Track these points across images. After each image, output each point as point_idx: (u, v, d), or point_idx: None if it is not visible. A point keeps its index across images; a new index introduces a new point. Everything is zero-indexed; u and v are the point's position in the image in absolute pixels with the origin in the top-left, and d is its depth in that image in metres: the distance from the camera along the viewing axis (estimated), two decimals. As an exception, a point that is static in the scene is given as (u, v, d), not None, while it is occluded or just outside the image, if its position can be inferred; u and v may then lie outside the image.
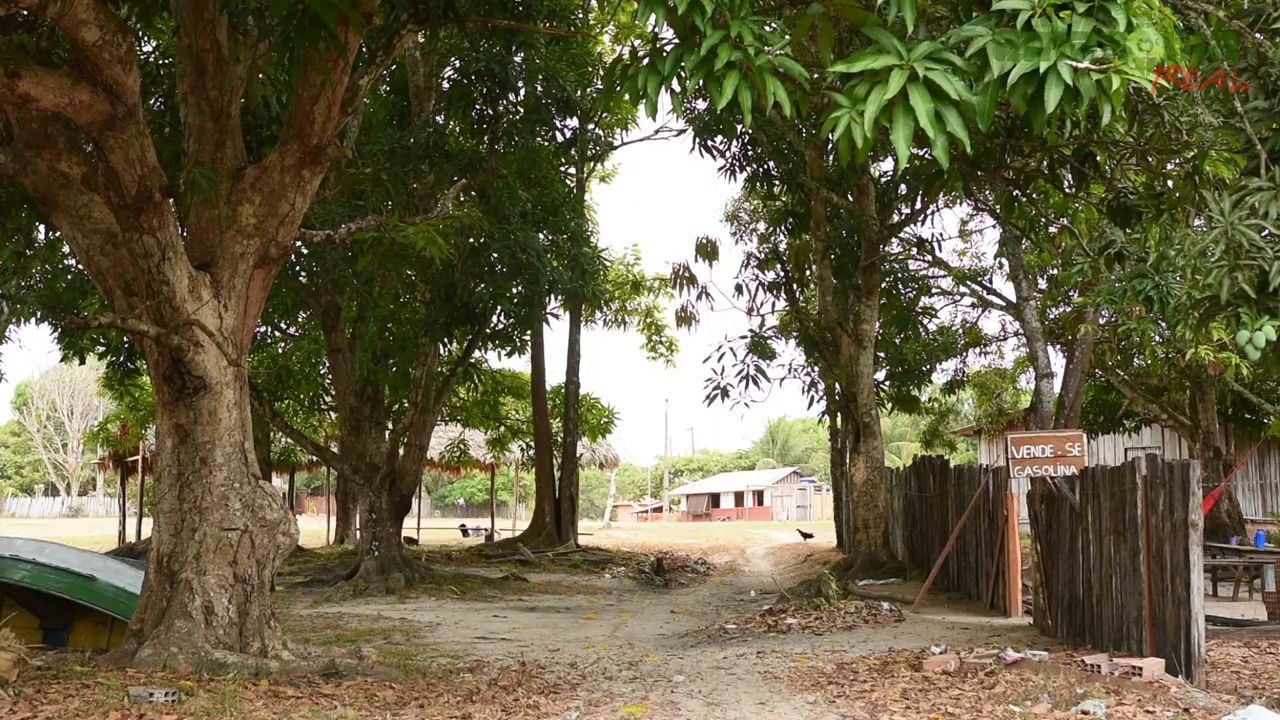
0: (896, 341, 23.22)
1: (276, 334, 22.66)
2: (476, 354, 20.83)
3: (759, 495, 69.64)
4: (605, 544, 30.62)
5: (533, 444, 28.67)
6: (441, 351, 19.75)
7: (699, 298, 23.99)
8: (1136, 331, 18.54)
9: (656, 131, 28.84)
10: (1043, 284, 22.29)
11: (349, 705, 7.20)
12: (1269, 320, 6.34)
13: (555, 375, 28.57)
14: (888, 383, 23.69)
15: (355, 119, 14.70)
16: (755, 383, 19.81)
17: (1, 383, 21.00)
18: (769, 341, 20.54)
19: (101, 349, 18.37)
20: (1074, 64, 4.48)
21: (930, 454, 22.07)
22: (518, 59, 17.47)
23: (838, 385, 20.90)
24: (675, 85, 5.19)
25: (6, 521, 54.62)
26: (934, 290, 24.54)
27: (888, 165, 20.29)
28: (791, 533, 36.76)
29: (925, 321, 23.98)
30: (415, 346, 18.57)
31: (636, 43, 22.56)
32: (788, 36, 5.13)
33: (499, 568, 21.51)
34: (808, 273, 21.84)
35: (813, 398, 24.11)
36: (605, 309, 29.66)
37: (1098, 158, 10.59)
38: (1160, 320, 14.05)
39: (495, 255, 17.14)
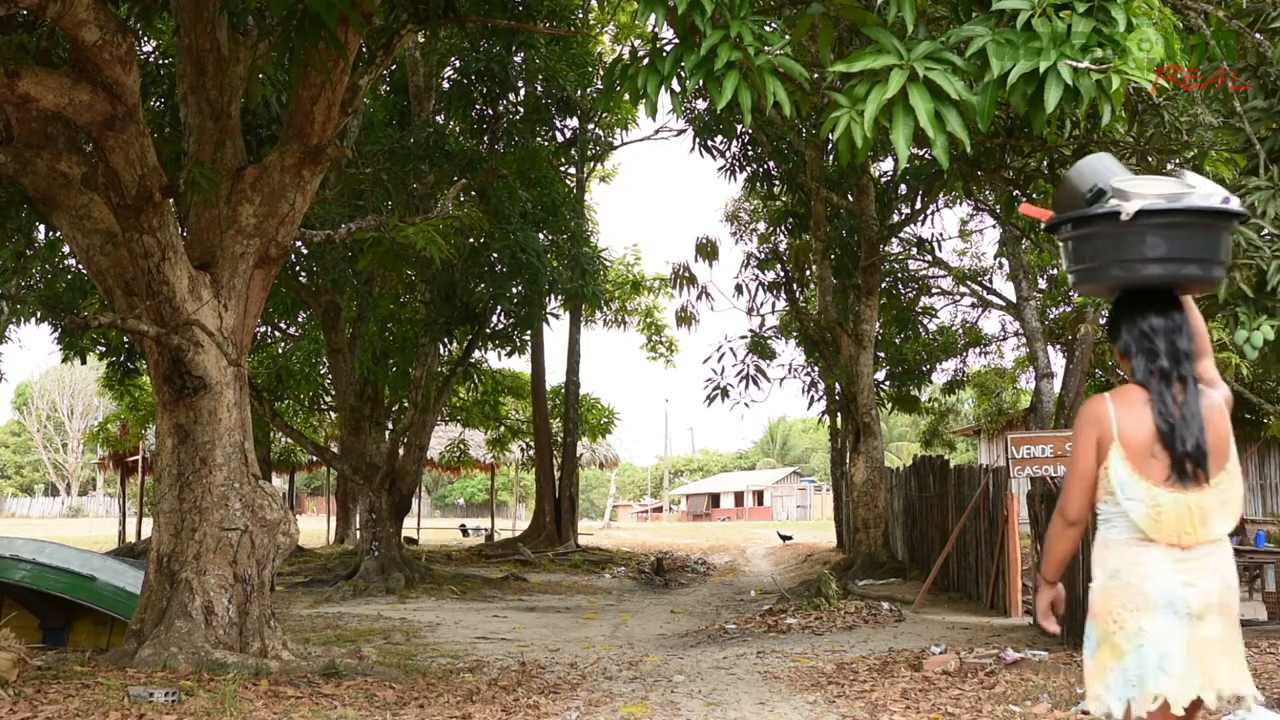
0: (896, 341, 23.21)
1: (276, 334, 22.66)
2: (476, 354, 20.83)
3: (759, 495, 69.64)
4: (605, 544, 30.62)
5: (533, 444, 28.67)
6: (441, 351, 19.75)
7: (699, 298, 24.00)
8: (1136, 331, 18.49)
9: (656, 131, 28.82)
10: (1043, 284, 22.27)
11: (349, 705, 7.20)
12: (1267, 320, 6.35)
13: (555, 375, 28.61)
14: (888, 383, 23.68)
15: (355, 119, 14.70)
16: (755, 383, 19.85)
17: (1, 383, 20.99)
18: (769, 341, 20.57)
19: (101, 349, 18.36)
20: (1074, 64, 4.48)
21: (930, 454, 22.06)
22: (518, 59, 17.47)
23: (838, 385, 20.90)
24: (675, 85, 5.19)
25: (6, 521, 54.60)
26: (934, 290, 24.52)
27: (888, 165, 20.28)
28: (790, 534, 36.56)
29: (925, 321, 23.98)
30: (415, 346, 18.57)
31: (636, 43, 22.56)
32: (788, 36, 5.13)
33: (499, 568, 21.51)
34: (808, 273, 21.83)
35: (813, 398, 24.13)
36: (605, 309, 29.63)
37: (1098, 158, 10.57)
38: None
39: (495, 255, 17.14)
